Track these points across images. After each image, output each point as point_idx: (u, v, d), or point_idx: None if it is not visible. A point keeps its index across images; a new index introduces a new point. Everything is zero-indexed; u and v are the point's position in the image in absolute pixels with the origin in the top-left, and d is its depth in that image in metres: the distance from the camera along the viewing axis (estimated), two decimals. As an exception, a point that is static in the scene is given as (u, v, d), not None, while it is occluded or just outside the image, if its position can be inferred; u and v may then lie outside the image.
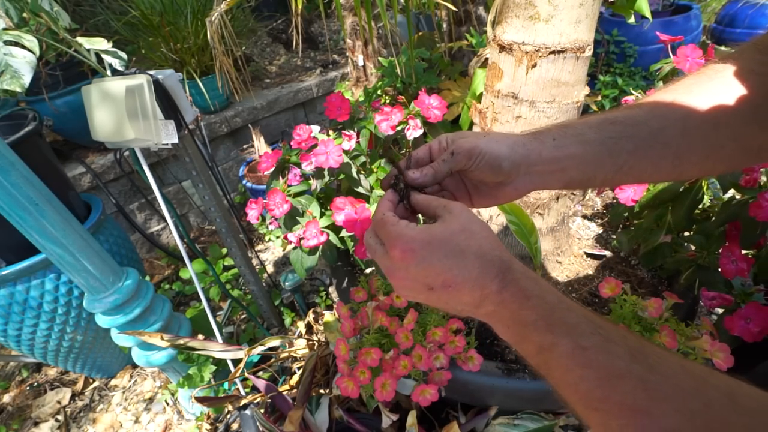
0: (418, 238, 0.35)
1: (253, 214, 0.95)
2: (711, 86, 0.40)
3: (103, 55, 0.86)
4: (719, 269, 0.76)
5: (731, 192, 0.79)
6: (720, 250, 0.75)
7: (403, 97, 1.48)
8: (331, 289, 1.64)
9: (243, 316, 1.61)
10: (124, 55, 0.88)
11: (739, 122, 0.38)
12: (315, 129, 0.98)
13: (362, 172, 1.00)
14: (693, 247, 0.87)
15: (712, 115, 0.39)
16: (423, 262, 0.34)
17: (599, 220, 1.22)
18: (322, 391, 0.94)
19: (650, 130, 0.40)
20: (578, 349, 0.30)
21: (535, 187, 0.42)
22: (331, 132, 0.97)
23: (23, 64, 0.74)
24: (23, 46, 0.76)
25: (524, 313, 0.33)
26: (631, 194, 0.86)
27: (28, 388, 1.48)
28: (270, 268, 1.87)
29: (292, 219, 0.94)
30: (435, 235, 0.35)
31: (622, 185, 0.84)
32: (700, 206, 0.85)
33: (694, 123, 0.39)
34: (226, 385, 1.20)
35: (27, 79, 0.74)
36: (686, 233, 0.91)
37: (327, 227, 0.90)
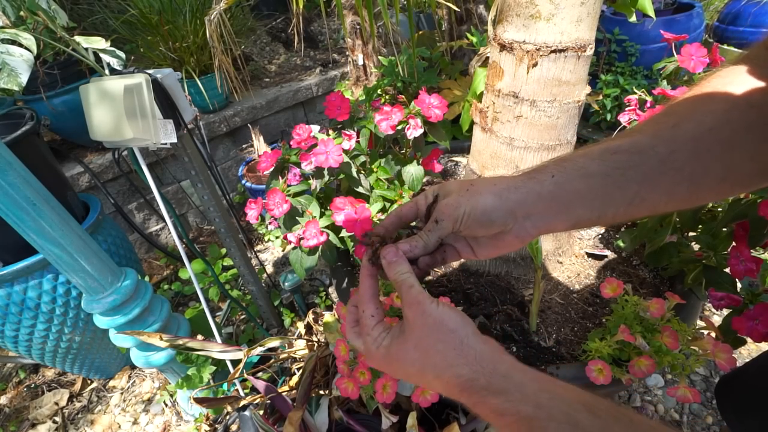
0: (379, 358, 0.37)
1: (252, 214, 0.95)
2: (717, 104, 0.36)
3: (101, 54, 0.85)
4: (726, 269, 0.75)
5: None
6: (728, 250, 0.75)
7: (403, 96, 1.48)
8: (331, 290, 1.63)
9: (242, 316, 1.61)
10: (122, 54, 0.87)
11: (754, 140, 0.35)
12: (315, 128, 0.97)
13: (362, 171, 0.99)
14: (698, 247, 0.87)
15: (725, 134, 0.35)
16: (393, 373, 0.38)
17: (600, 220, 1.21)
18: (321, 392, 0.94)
19: (658, 156, 0.36)
20: None
21: (539, 232, 0.39)
22: (330, 131, 0.97)
23: (20, 62, 0.74)
24: (20, 45, 0.75)
25: (505, 430, 0.32)
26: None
27: (25, 389, 1.47)
28: (269, 269, 1.86)
29: (291, 219, 0.93)
30: (393, 357, 0.36)
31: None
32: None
33: (705, 145, 0.36)
34: (225, 386, 1.20)
35: (24, 78, 0.73)
36: (691, 233, 0.91)
37: (327, 227, 0.90)
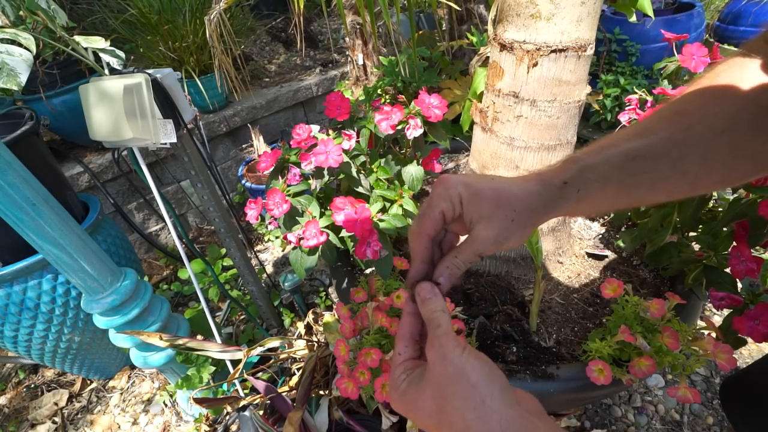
0: (395, 400, 0.35)
1: (252, 214, 0.94)
2: (727, 105, 0.36)
3: (101, 54, 0.85)
4: (727, 269, 0.75)
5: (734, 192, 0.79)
6: (729, 250, 0.75)
7: (403, 96, 1.48)
8: (331, 290, 1.63)
9: (242, 316, 1.61)
10: (121, 53, 0.87)
11: (759, 142, 0.35)
12: (314, 128, 0.97)
13: (362, 171, 0.99)
14: (698, 247, 0.86)
15: (733, 137, 0.36)
16: (412, 420, 0.35)
17: (601, 220, 1.21)
18: (321, 392, 0.94)
19: (671, 160, 0.37)
20: None
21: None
22: (330, 131, 0.97)
23: (20, 62, 0.73)
24: (20, 45, 0.75)
25: None
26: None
27: (24, 389, 1.47)
28: (269, 269, 1.86)
29: (291, 219, 0.93)
30: (408, 404, 0.34)
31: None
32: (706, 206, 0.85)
33: (714, 148, 0.36)
34: (225, 387, 1.20)
35: (23, 78, 0.73)
36: (692, 233, 0.90)
37: (327, 227, 0.89)
